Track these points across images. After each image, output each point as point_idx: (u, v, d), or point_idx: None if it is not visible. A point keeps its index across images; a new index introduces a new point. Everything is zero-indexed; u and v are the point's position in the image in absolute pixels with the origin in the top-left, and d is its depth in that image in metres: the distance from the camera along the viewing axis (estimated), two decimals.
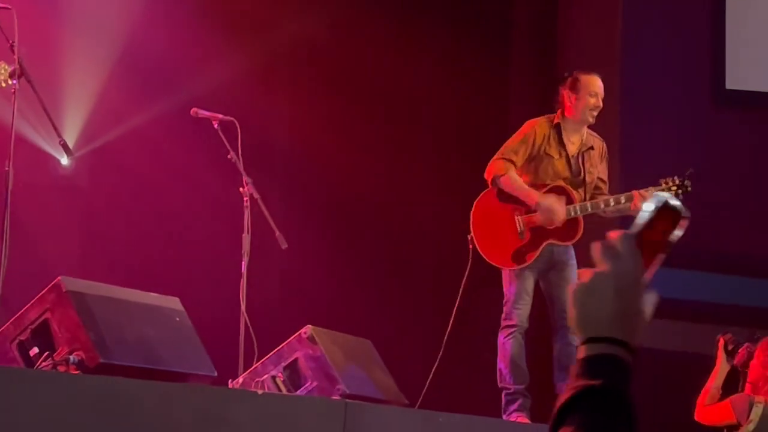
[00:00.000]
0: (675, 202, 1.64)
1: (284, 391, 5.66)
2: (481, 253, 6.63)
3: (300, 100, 9.01)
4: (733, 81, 9.56)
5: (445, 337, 6.72)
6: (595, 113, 6.77)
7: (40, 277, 5.39)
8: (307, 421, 4.97)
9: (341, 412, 4.98)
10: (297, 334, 5.79)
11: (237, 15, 8.77)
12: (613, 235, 1.63)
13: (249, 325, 6.33)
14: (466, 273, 6.64)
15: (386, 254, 9.04)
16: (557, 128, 6.76)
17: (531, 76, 9.57)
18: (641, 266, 1.62)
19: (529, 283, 6.64)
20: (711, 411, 6.14)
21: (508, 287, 6.64)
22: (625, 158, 8.78)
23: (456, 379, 7.76)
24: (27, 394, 4.17)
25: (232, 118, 6.69)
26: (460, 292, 6.67)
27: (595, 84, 6.76)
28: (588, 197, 6.78)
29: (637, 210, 6.88)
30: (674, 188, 6.80)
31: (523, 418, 6.47)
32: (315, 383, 5.66)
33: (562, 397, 1.57)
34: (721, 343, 6.40)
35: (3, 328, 5.06)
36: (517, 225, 6.65)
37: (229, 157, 6.63)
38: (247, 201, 6.61)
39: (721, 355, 6.34)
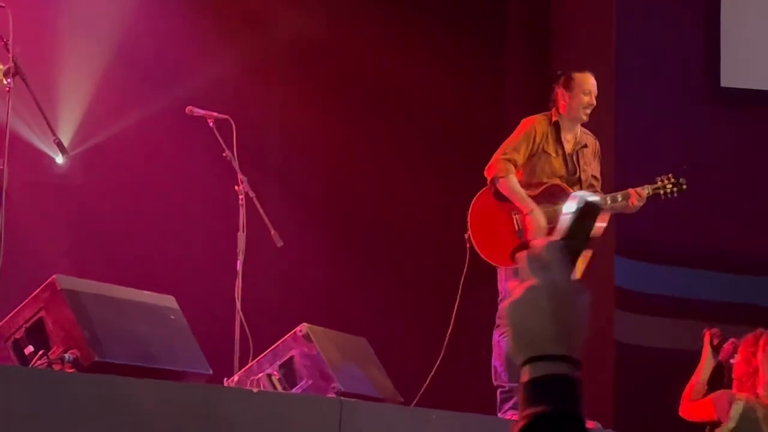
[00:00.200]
0: (593, 199, 1.60)
1: (279, 389, 5.66)
2: (479, 251, 6.62)
3: (295, 99, 9.00)
4: (728, 79, 9.58)
5: (447, 336, 6.71)
6: (589, 111, 6.78)
7: (35, 275, 5.38)
8: (302, 419, 4.96)
9: (336, 410, 4.98)
10: (292, 332, 5.79)
11: (232, 13, 8.77)
12: (538, 244, 1.57)
13: (244, 323, 6.33)
14: (464, 272, 6.64)
15: (382, 252, 9.04)
16: (555, 126, 6.76)
17: (526, 74, 9.57)
18: (572, 273, 1.56)
19: None
20: (694, 407, 6.11)
21: (504, 285, 6.64)
22: (619, 155, 8.79)
23: (452, 377, 7.76)
24: (22, 392, 4.17)
25: (227, 117, 6.69)
26: (460, 290, 6.67)
27: (588, 82, 6.77)
28: None
29: (635, 207, 6.91)
30: (669, 186, 6.81)
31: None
32: (310, 381, 5.66)
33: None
34: (707, 338, 6.35)
35: None
36: (515, 224, 6.64)
37: (224, 155, 6.63)
38: (242, 199, 6.61)
39: (706, 350, 6.29)
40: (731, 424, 5.88)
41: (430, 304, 7.78)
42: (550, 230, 6.59)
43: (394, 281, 8.91)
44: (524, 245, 6.84)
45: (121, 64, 8.36)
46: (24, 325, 4.93)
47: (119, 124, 8.33)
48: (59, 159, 7.62)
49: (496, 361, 6.62)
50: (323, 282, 8.83)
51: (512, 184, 6.64)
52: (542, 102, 7.10)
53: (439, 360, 6.71)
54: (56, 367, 4.68)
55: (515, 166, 6.67)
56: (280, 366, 5.74)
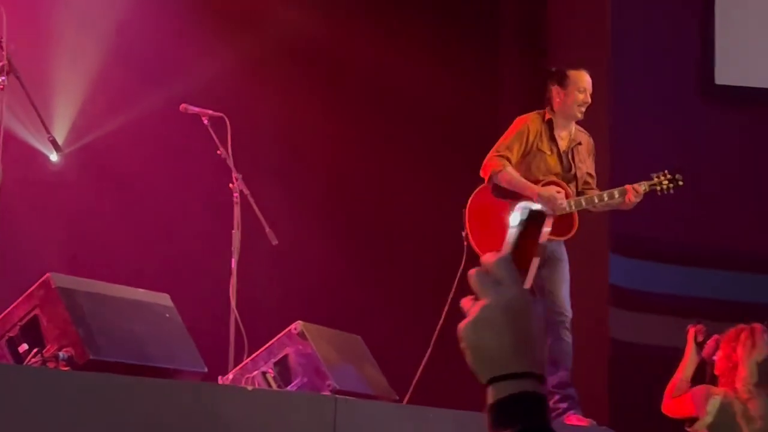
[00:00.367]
0: (536, 207, 1.58)
1: (274, 386, 5.65)
2: (476, 249, 6.60)
3: (290, 96, 9.00)
4: (723, 76, 9.58)
5: (435, 333, 6.71)
6: (584, 109, 6.79)
7: (30, 273, 5.37)
8: (297, 417, 4.96)
9: (331, 408, 4.98)
10: (287, 330, 5.78)
11: (226, 10, 8.77)
12: (487, 260, 1.53)
13: (239, 321, 6.32)
14: (460, 270, 6.63)
15: (377, 250, 9.04)
16: (549, 124, 6.77)
17: (520, 71, 9.58)
18: (525, 287, 1.53)
19: None
20: (675, 403, 6.08)
21: None
22: (614, 153, 8.80)
23: (447, 375, 7.76)
24: (16, 390, 4.16)
25: (221, 114, 6.69)
26: (453, 288, 6.66)
27: (583, 80, 6.77)
28: (578, 192, 6.80)
29: (631, 204, 6.91)
30: (666, 182, 6.82)
31: None
32: (305, 379, 5.66)
33: None
34: (691, 334, 6.31)
35: None
36: None
37: (218, 153, 6.63)
38: (237, 197, 6.60)
39: (690, 347, 6.25)
40: (708, 419, 5.86)
41: (425, 302, 7.77)
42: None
43: (389, 279, 8.91)
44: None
45: (115, 61, 8.35)
46: (18, 323, 4.92)
47: (113, 121, 8.32)
48: (53, 157, 7.61)
49: None
50: (318, 280, 8.83)
51: (512, 174, 6.63)
52: (537, 99, 7.11)
53: (426, 356, 6.70)
54: (51, 366, 4.68)
55: (509, 162, 6.67)
56: (275, 364, 5.74)
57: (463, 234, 6.66)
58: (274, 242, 6.57)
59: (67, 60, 8.28)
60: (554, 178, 6.73)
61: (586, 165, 6.89)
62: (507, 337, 1.49)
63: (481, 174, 6.71)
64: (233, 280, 6.45)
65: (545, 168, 6.75)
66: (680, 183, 6.83)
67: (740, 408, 5.77)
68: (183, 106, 6.79)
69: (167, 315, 5.39)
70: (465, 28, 9.46)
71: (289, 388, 5.66)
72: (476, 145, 7.04)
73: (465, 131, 9.10)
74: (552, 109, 6.78)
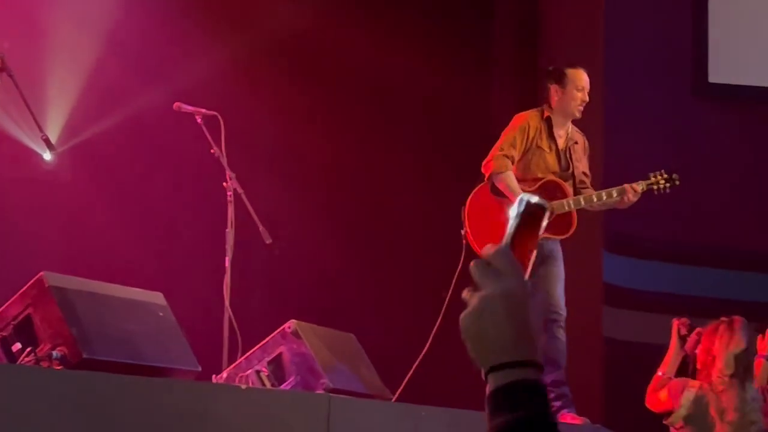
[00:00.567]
0: (535, 199, 1.60)
1: (268, 385, 5.65)
2: (476, 247, 6.57)
3: (283, 94, 8.99)
4: (716, 74, 9.59)
5: (433, 331, 6.71)
6: (581, 108, 6.79)
7: (23, 272, 5.37)
8: (291, 416, 4.96)
9: (325, 407, 4.97)
10: (281, 328, 5.78)
11: (219, 9, 8.76)
12: (487, 251, 1.56)
13: (233, 319, 6.32)
14: (459, 268, 6.62)
15: (372, 248, 9.04)
16: (548, 122, 6.76)
17: (515, 69, 9.58)
18: (524, 277, 1.56)
19: None
20: (656, 397, 6.08)
21: None
22: (608, 151, 8.80)
23: (441, 373, 7.76)
24: (9, 389, 4.15)
25: (215, 113, 6.68)
26: (452, 286, 6.66)
27: (582, 79, 6.78)
28: (574, 191, 6.80)
29: (629, 203, 6.90)
30: (662, 181, 6.82)
31: None
32: (299, 378, 5.66)
33: None
34: (675, 327, 6.29)
35: None
36: None
37: (212, 151, 6.62)
38: (230, 196, 6.60)
39: (674, 341, 6.24)
40: (682, 411, 5.85)
41: (421, 300, 7.77)
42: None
43: (384, 277, 8.91)
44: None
45: (108, 60, 8.34)
46: (11, 323, 4.91)
47: (107, 120, 8.31)
48: (47, 156, 7.58)
49: None
50: (312, 278, 8.83)
51: (510, 181, 6.62)
52: (530, 96, 7.11)
53: (422, 354, 6.69)
54: (44, 365, 4.67)
55: (512, 161, 6.66)
56: (269, 362, 5.73)
57: (462, 232, 6.64)
58: (268, 241, 6.56)
59: (60, 59, 8.27)
60: (553, 177, 6.73)
61: (581, 164, 6.90)
62: (507, 327, 1.51)
63: (483, 171, 6.68)
64: (227, 278, 6.44)
65: (544, 166, 6.74)
66: (677, 182, 6.84)
67: (714, 400, 5.76)
68: (176, 104, 6.78)
69: (161, 314, 5.38)
70: (459, 27, 9.46)
71: (283, 386, 5.66)
72: (469, 142, 7.04)
73: (458, 128, 9.11)
74: (550, 107, 6.78)
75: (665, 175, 6.83)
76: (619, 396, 8.57)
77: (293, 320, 5.80)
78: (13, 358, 4.85)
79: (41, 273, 4.95)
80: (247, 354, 5.87)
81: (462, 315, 1.55)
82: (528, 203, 1.60)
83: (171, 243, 8.46)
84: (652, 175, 6.83)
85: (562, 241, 6.76)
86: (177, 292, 6.12)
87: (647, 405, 6.14)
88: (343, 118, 9.08)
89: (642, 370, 6.37)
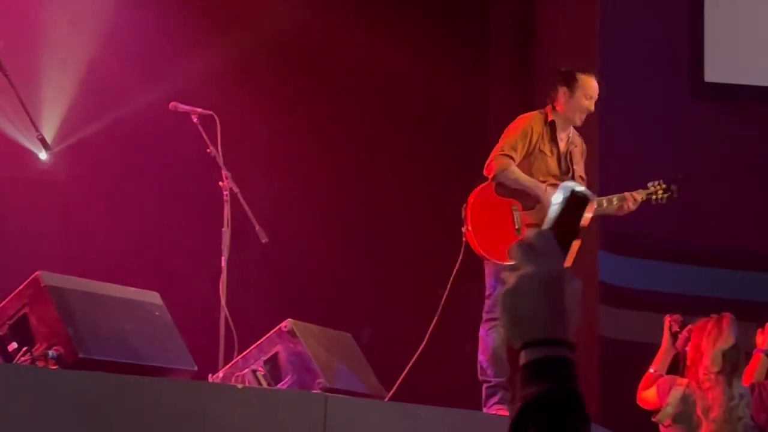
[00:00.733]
0: (580, 189, 1.64)
1: (264, 385, 5.65)
2: (478, 246, 6.54)
3: (279, 93, 8.99)
4: (712, 73, 9.59)
5: (430, 329, 6.70)
6: (584, 116, 6.76)
7: (19, 271, 5.36)
8: (287, 415, 4.96)
9: (321, 406, 4.97)
10: (277, 328, 5.78)
11: (216, 8, 8.75)
12: (529, 233, 1.61)
13: (229, 319, 6.32)
14: (457, 266, 6.61)
15: (369, 247, 9.03)
16: (551, 125, 6.72)
17: (510, 69, 9.58)
18: (563, 260, 1.61)
19: None
20: (646, 395, 6.07)
21: (491, 280, 6.63)
22: (605, 150, 8.80)
23: (437, 372, 7.76)
24: (5, 389, 4.15)
25: (211, 112, 6.68)
26: (449, 285, 6.65)
27: (592, 87, 6.72)
28: None
29: (628, 210, 6.88)
30: (660, 192, 6.81)
31: (504, 411, 6.47)
32: (295, 377, 5.65)
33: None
34: (667, 324, 6.29)
35: None
36: (515, 220, 6.60)
37: (208, 151, 6.62)
38: (226, 195, 6.59)
39: (666, 338, 6.22)
40: (669, 409, 5.83)
41: (418, 300, 7.77)
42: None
43: (381, 276, 8.90)
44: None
45: (104, 59, 8.33)
46: (7, 322, 4.91)
47: (103, 120, 8.30)
48: (42, 155, 7.59)
49: (482, 356, 6.61)
50: (308, 277, 8.82)
51: (518, 174, 6.58)
52: (527, 96, 7.10)
53: (418, 351, 6.68)
54: (40, 364, 4.67)
55: (513, 161, 6.61)
56: (265, 362, 5.73)
57: (463, 230, 6.59)
58: (264, 240, 6.56)
59: (56, 58, 8.26)
60: (553, 180, 6.69)
61: (579, 167, 6.88)
62: (541, 305, 1.57)
63: (485, 173, 6.63)
64: (223, 278, 6.44)
65: (545, 169, 6.70)
66: (675, 195, 6.82)
67: (701, 398, 5.75)
68: (172, 104, 6.78)
69: (157, 313, 5.38)
70: (456, 27, 9.46)
71: (279, 386, 5.66)
72: (467, 142, 7.04)
73: (454, 127, 9.11)
74: (554, 109, 6.72)
75: (663, 185, 6.81)
76: (616, 395, 8.57)
77: (289, 319, 5.80)
78: (9, 357, 4.84)
79: (37, 272, 4.95)
80: (244, 353, 5.87)
81: (501, 291, 1.59)
82: (573, 191, 1.63)
83: (167, 242, 8.46)
84: (651, 184, 6.81)
85: None
86: (173, 291, 6.11)
87: (638, 402, 6.14)
88: (339, 117, 9.08)
89: (639, 369, 6.37)
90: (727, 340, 5.81)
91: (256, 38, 8.83)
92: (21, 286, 4.95)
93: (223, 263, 6.47)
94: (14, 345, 4.85)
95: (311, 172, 9.03)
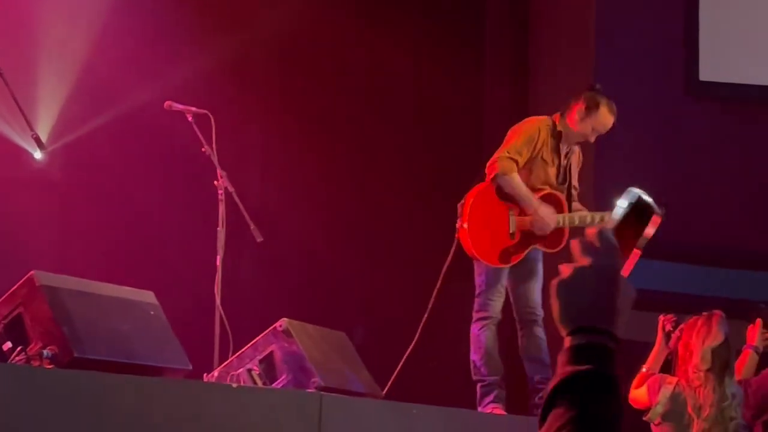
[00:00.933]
0: (647, 199, 1.66)
1: (260, 384, 5.65)
2: (470, 244, 6.52)
3: (274, 92, 8.98)
4: (707, 72, 9.59)
5: (420, 328, 6.69)
6: (581, 141, 6.77)
7: (13, 271, 5.36)
8: (282, 414, 4.96)
9: (316, 405, 4.98)
10: (272, 327, 5.78)
11: (211, 7, 8.75)
12: (591, 231, 1.67)
13: (224, 318, 6.32)
14: (447, 263, 6.60)
15: (363, 246, 9.03)
16: (558, 136, 6.69)
17: (506, 69, 9.58)
18: (620, 260, 1.66)
19: (503, 275, 6.63)
20: (637, 394, 6.06)
21: (480, 279, 6.63)
22: (599, 150, 8.79)
23: (431, 371, 7.77)
24: (0, 389, 4.15)
25: (205, 111, 6.67)
26: (439, 282, 6.64)
27: (605, 124, 6.69)
28: (567, 205, 6.77)
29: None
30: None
31: (499, 410, 6.47)
32: (290, 376, 5.66)
33: (552, 383, 1.61)
34: (660, 323, 6.27)
35: None
36: (510, 224, 6.59)
37: (203, 150, 6.62)
38: (221, 194, 6.59)
39: (660, 337, 6.21)
40: (659, 408, 5.82)
41: (413, 299, 7.76)
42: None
43: (376, 276, 8.90)
44: (513, 247, 6.82)
45: (99, 59, 8.32)
46: (2, 322, 4.91)
47: (98, 119, 8.29)
48: (37, 154, 7.58)
49: (475, 355, 6.60)
50: (303, 277, 8.82)
51: (517, 183, 6.53)
52: (522, 96, 7.08)
53: (409, 349, 6.68)
54: (35, 364, 4.67)
55: (517, 165, 6.57)
56: (260, 361, 5.74)
57: (458, 226, 6.57)
58: (259, 239, 6.56)
59: (50, 57, 8.25)
60: (549, 189, 6.68)
61: (574, 178, 6.88)
62: (592, 297, 1.64)
63: (487, 171, 6.61)
64: (218, 277, 6.44)
65: (544, 177, 6.68)
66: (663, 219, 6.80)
67: (691, 396, 5.74)
68: (167, 103, 6.77)
69: (152, 312, 5.38)
70: (452, 27, 9.46)
71: (274, 385, 5.66)
72: (462, 142, 7.04)
73: (451, 127, 9.11)
74: (563, 119, 6.69)
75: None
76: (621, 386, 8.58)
77: (284, 319, 5.80)
78: (3, 357, 4.85)
79: (32, 272, 4.95)
80: (239, 353, 5.87)
81: (556, 280, 1.66)
82: (639, 198, 1.67)
83: (162, 242, 8.45)
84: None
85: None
86: (168, 290, 6.11)
87: (629, 401, 6.13)
88: (334, 116, 9.08)
89: (636, 369, 6.36)
90: (716, 337, 5.80)
91: (250, 37, 8.82)
92: (15, 286, 4.95)
93: (218, 262, 6.47)
94: (9, 344, 4.85)
95: (306, 172, 9.02)
